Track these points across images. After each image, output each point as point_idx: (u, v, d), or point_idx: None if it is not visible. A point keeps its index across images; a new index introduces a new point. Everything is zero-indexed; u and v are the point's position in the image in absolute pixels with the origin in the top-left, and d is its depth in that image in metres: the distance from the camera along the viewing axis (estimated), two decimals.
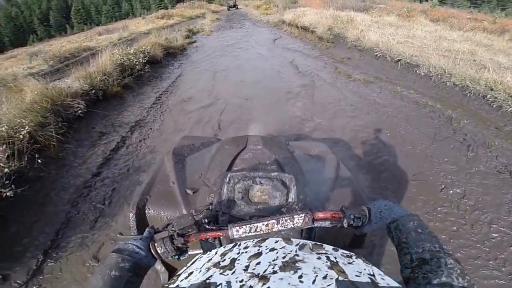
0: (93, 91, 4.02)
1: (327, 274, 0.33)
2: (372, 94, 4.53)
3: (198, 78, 5.73)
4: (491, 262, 1.88)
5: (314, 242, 0.44)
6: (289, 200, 0.82)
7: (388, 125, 3.60)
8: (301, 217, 0.66)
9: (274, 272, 0.34)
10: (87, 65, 4.70)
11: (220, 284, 0.33)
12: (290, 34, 10.23)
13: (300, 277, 0.33)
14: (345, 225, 0.69)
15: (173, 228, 0.66)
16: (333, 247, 0.43)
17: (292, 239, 0.45)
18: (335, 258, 0.39)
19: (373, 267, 0.39)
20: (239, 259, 0.40)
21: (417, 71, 5.09)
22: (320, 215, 0.69)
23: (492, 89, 3.99)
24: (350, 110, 4.06)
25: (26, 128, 2.72)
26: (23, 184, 2.32)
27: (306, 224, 0.66)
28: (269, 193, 0.83)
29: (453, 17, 12.96)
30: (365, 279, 0.34)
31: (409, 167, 2.81)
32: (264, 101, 4.49)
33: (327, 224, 0.70)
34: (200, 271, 0.40)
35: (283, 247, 0.41)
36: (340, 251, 0.42)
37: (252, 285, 0.32)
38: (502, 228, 2.10)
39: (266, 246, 0.42)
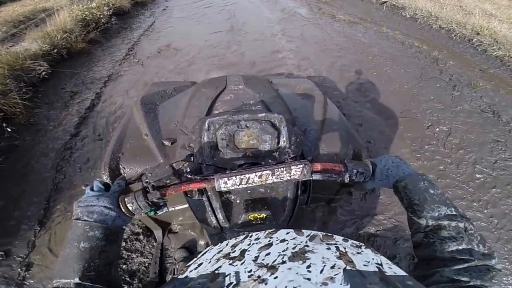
0: (55, 50, 3.63)
1: (335, 263, 0.33)
2: (357, 35, 4.14)
3: (173, 26, 4.95)
4: (474, 204, 1.83)
5: (324, 233, 0.42)
6: (281, 143, 0.73)
7: (374, 64, 3.32)
8: (299, 168, 0.59)
9: (283, 262, 0.34)
10: (46, 21, 4.08)
11: (229, 274, 0.33)
12: None
13: (308, 266, 0.32)
14: (346, 179, 0.63)
15: (146, 180, 0.57)
16: (343, 237, 0.42)
17: (303, 230, 0.44)
18: (344, 248, 0.38)
19: (381, 256, 0.37)
20: (249, 250, 0.39)
21: (403, 14, 4.76)
22: (319, 166, 0.63)
23: (478, 34, 3.84)
24: (335, 50, 3.70)
25: None
26: None
27: (304, 176, 0.60)
28: (257, 137, 0.72)
29: None
30: (372, 268, 0.33)
31: (396, 105, 2.63)
32: (248, 48, 3.92)
33: (326, 177, 0.64)
34: (210, 262, 0.40)
35: (294, 238, 0.41)
36: (350, 241, 0.41)
37: (260, 275, 0.31)
38: (485, 169, 2.05)
39: (277, 237, 0.42)
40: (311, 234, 0.42)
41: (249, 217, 0.68)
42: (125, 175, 0.98)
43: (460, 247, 0.46)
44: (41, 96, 2.94)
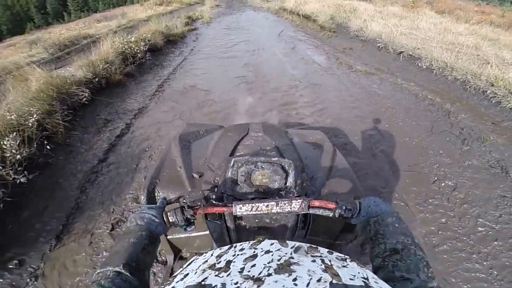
0: (97, 79, 4.05)
1: (321, 277, 0.34)
2: (372, 86, 4.52)
3: (199, 67, 5.69)
4: (474, 256, 1.94)
5: (309, 245, 0.45)
6: (288, 184, 0.87)
7: (387, 116, 3.62)
8: (298, 202, 0.71)
9: (269, 275, 0.35)
10: (88, 52, 4.69)
11: (215, 286, 0.34)
12: (291, 22, 10.01)
13: (295, 279, 0.33)
14: (337, 215, 0.74)
15: (184, 201, 0.73)
16: (328, 250, 0.44)
17: (287, 242, 0.45)
18: (330, 261, 0.39)
19: (367, 270, 0.39)
20: (234, 261, 0.40)
21: (419, 64, 5.06)
22: (316, 203, 0.73)
23: (493, 85, 3.99)
24: (350, 101, 4.07)
25: (34, 116, 2.75)
26: (34, 170, 2.36)
27: (302, 209, 0.71)
28: (269, 177, 0.87)
29: (460, 9, 12.67)
30: (358, 282, 0.34)
31: (405, 158, 2.86)
32: (267, 94, 4.48)
33: (320, 212, 0.75)
34: (196, 272, 0.41)
35: (279, 250, 0.42)
36: (335, 254, 0.43)
37: (247, 287, 0.32)
38: (488, 223, 2.17)
39: (262, 249, 0.43)
40: (295, 246, 0.44)
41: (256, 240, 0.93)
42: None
43: (408, 269, 0.52)
44: (79, 120, 3.34)
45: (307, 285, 0.32)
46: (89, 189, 2.47)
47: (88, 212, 2.24)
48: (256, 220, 0.89)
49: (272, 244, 0.44)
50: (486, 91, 3.90)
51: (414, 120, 3.48)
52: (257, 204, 0.71)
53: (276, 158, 0.90)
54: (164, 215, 0.71)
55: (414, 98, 4.04)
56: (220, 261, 0.41)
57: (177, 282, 0.40)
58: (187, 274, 0.41)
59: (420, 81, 4.53)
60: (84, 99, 3.61)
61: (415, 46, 5.46)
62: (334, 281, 0.33)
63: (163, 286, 0.41)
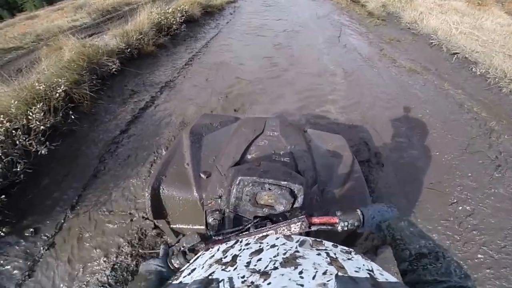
0: (129, 50, 4.07)
1: (327, 270, 0.34)
2: (414, 86, 4.25)
3: (233, 42, 5.55)
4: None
5: (314, 239, 0.45)
6: (295, 206, 0.85)
7: (421, 124, 3.47)
8: (297, 225, 0.70)
9: (275, 268, 0.35)
10: (127, 19, 4.65)
11: (222, 280, 0.34)
12: (335, 4, 9.17)
13: (301, 272, 0.33)
14: (340, 229, 0.74)
15: (184, 245, 0.73)
16: (332, 243, 0.44)
17: (292, 236, 0.46)
18: (335, 254, 0.40)
19: (372, 262, 0.39)
20: (240, 256, 0.40)
21: (473, 69, 4.60)
22: (316, 220, 0.74)
23: None
24: (385, 100, 3.91)
25: (62, 87, 2.82)
26: (57, 139, 2.46)
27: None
28: (275, 198, 0.85)
29: None
30: (364, 274, 0.35)
31: (429, 174, 2.82)
32: (297, 78, 4.38)
33: (323, 228, 0.75)
34: (203, 267, 0.41)
35: (284, 244, 0.42)
36: (340, 247, 0.43)
37: (253, 281, 0.32)
38: (489, 252, 2.18)
39: (267, 243, 0.43)
40: (300, 240, 0.43)
41: None
42: (164, 196, 1.16)
43: (440, 271, 0.53)
44: (106, 90, 3.36)
45: (313, 277, 0.32)
46: (108, 159, 2.53)
47: (104, 184, 2.30)
48: None
49: (277, 238, 0.44)
50: None
51: (450, 134, 3.33)
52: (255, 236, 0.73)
53: (285, 182, 0.86)
54: (169, 262, 0.73)
55: (457, 108, 3.78)
56: (227, 256, 0.41)
57: (184, 277, 0.40)
58: (194, 269, 0.42)
59: (469, 89, 4.17)
60: (114, 69, 3.66)
61: (473, 49, 4.91)
62: (339, 274, 0.33)
63: (170, 281, 0.42)
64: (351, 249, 0.43)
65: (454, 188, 2.70)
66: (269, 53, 5.13)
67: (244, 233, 0.73)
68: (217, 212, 0.87)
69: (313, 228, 0.74)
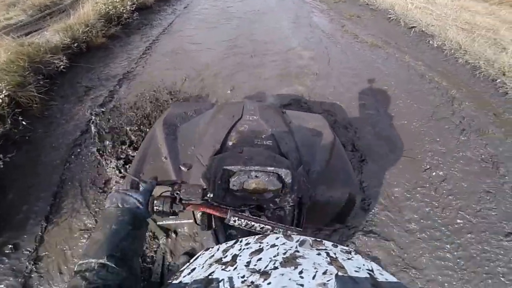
0: (76, 44, 3.73)
1: (327, 269, 0.34)
2: (377, 60, 4.21)
3: (192, 26, 5.16)
4: (447, 246, 1.98)
5: (314, 239, 0.44)
6: (283, 191, 0.82)
7: (387, 96, 3.42)
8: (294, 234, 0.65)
9: (275, 268, 0.34)
10: (70, 13, 4.26)
11: (222, 280, 0.34)
12: None
13: (301, 272, 0.33)
14: None
15: (177, 192, 0.66)
16: (332, 243, 0.44)
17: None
18: (335, 254, 0.39)
19: (372, 262, 0.39)
20: (240, 255, 0.40)
21: (430, 42, 4.71)
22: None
23: (504, 74, 3.77)
24: (350, 75, 3.81)
25: (4, 92, 2.49)
26: (10, 149, 2.20)
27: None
28: (264, 185, 0.82)
29: None
30: (364, 274, 0.34)
31: (401, 142, 2.75)
32: (261, 58, 4.13)
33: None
34: (203, 267, 0.40)
35: (284, 244, 0.42)
36: (340, 247, 0.43)
37: (253, 281, 0.32)
38: (467, 216, 2.16)
39: (267, 243, 0.43)
40: (300, 239, 0.43)
41: None
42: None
43: None
44: (57, 89, 3.07)
45: (313, 277, 0.32)
46: (73, 163, 2.27)
47: (74, 189, 2.09)
48: None
49: (277, 238, 0.44)
50: (496, 80, 3.69)
51: (415, 103, 3.29)
52: (251, 222, 0.65)
53: (272, 168, 0.82)
54: (150, 202, 0.64)
55: (419, 79, 3.79)
56: (227, 256, 0.41)
57: (184, 276, 0.40)
58: (194, 269, 0.41)
59: (428, 61, 4.23)
60: (62, 66, 3.33)
61: (429, 23, 5.04)
62: (339, 274, 0.33)
63: (170, 281, 0.41)
64: (351, 249, 0.42)
65: (426, 154, 2.63)
66: (231, 35, 4.83)
67: (243, 214, 0.67)
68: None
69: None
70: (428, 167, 2.51)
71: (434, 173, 2.46)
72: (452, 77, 3.89)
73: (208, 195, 0.70)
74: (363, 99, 3.33)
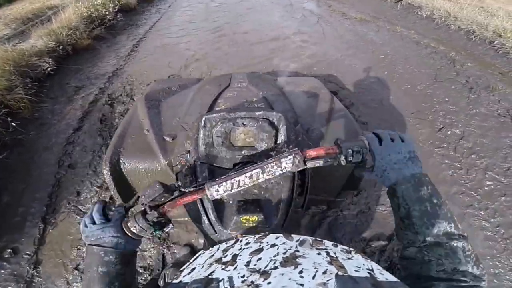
0: (61, 47, 3.67)
1: (327, 269, 0.33)
2: (369, 33, 4.00)
3: (178, 22, 4.93)
4: (481, 212, 1.71)
5: (314, 238, 0.42)
6: (279, 141, 0.72)
7: (385, 64, 3.19)
8: (289, 159, 0.55)
9: (275, 268, 0.34)
10: (51, 23, 4.19)
11: (222, 279, 0.33)
12: None
13: (301, 272, 0.32)
14: (343, 161, 0.56)
15: (143, 202, 0.55)
16: (332, 242, 0.42)
17: (292, 235, 0.44)
18: (335, 253, 0.38)
19: (372, 262, 0.37)
20: (240, 255, 0.39)
21: (419, 13, 4.56)
22: (312, 153, 0.58)
23: (500, 36, 3.62)
24: (345, 49, 3.58)
25: None
26: (1, 151, 2.11)
27: (297, 167, 0.56)
28: (254, 136, 0.71)
29: None
30: (364, 273, 0.33)
31: (408, 105, 2.51)
32: (254, 45, 3.90)
33: (321, 163, 0.58)
34: (203, 267, 0.40)
35: (284, 243, 0.41)
36: (340, 246, 0.41)
37: (253, 280, 0.32)
38: (496, 176, 1.91)
39: (267, 242, 0.42)
40: (300, 239, 0.42)
41: (241, 219, 0.67)
42: (126, 170, 1.00)
43: (455, 268, 0.44)
44: (46, 91, 2.98)
45: (313, 277, 0.31)
46: (67, 162, 2.15)
47: (70, 188, 1.96)
48: (241, 192, 0.70)
49: (277, 237, 0.43)
50: (493, 42, 3.52)
51: (416, 68, 3.07)
52: (237, 179, 0.54)
53: (261, 112, 0.71)
54: (125, 228, 0.54)
55: (415, 45, 3.59)
56: (227, 255, 0.41)
57: (184, 276, 0.40)
58: (194, 268, 0.41)
59: (420, 30, 4.05)
60: (49, 69, 3.24)
61: None
62: (339, 273, 0.32)
63: (170, 280, 0.40)
64: (351, 249, 0.41)
65: (437, 114, 2.39)
66: (218, 24, 4.59)
67: (222, 178, 0.56)
68: (187, 167, 0.72)
69: (309, 165, 0.58)
70: (441, 126, 2.26)
71: (449, 132, 2.21)
72: (447, 42, 3.70)
73: (176, 185, 0.58)
74: (361, 70, 3.08)
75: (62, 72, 3.35)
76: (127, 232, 0.55)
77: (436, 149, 2.07)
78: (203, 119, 0.71)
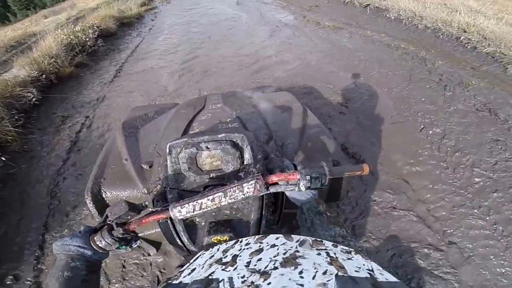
0: (44, 76, 3.65)
1: (327, 269, 0.33)
2: (342, 40, 4.07)
3: (160, 44, 4.95)
4: (475, 211, 1.67)
5: (314, 239, 0.43)
6: (245, 162, 0.71)
7: (360, 69, 3.22)
8: (251, 184, 0.57)
9: (275, 268, 0.34)
10: (32, 52, 4.21)
11: (222, 280, 0.33)
12: None
13: (301, 272, 0.32)
14: (303, 188, 0.59)
15: (109, 219, 0.59)
16: (332, 243, 0.42)
17: (292, 236, 0.44)
18: (335, 254, 0.38)
19: (372, 262, 0.37)
20: (240, 256, 0.39)
21: (387, 15, 4.71)
22: (274, 178, 0.60)
23: (465, 31, 3.75)
24: (321, 57, 3.60)
25: None
26: None
27: (259, 191, 0.58)
28: (220, 158, 0.71)
29: None
30: (364, 274, 0.33)
31: (386, 109, 2.51)
32: (234, 59, 3.90)
33: (282, 188, 0.61)
34: (203, 267, 0.40)
35: (284, 244, 0.41)
36: (340, 247, 0.41)
37: (253, 281, 0.32)
38: (484, 172, 1.88)
39: (267, 243, 0.42)
40: (300, 240, 0.42)
41: (212, 240, 0.67)
42: (108, 199, 1.02)
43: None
44: (34, 122, 2.97)
45: (313, 277, 0.32)
46: (58, 193, 2.19)
47: (63, 217, 2.00)
48: (213, 214, 0.71)
49: (277, 238, 0.44)
50: (460, 37, 3.64)
51: (390, 71, 3.11)
52: (199, 201, 0.58)
53: (223, 134, 0.72)
54: (92, 242, 0.57)
55: (386, 48, 3.66)
56: (227, 256, 0.41)
57: (184, 276, 0.39)
58: (194, 269, 0.41)
59: (390, 32, 4.16)
60: (34, 99, 3.23)
61: None
62: (340, 274, 0.32)
63: (170, 281, 0.40)
64: (351, 249, 0.41)
65: (416, 115, 2.39)
66: (199, 45, 4.59)
67: (185, 200, 0.60)
68: (158, 192, 0.73)
69: (272, 190, 0.61)
70: (422, 126, 2.26)
71: (431, 131, 2.20)
72: (417, 42, 3.80)
73: (143, 205, 0.62)
74: (338, 77, 3.09)
75: (48, 101, 3.35)
76: (93, 246, 0.57)
77: (419, 150, 2.05)
78: (168, 146, 0.73)
